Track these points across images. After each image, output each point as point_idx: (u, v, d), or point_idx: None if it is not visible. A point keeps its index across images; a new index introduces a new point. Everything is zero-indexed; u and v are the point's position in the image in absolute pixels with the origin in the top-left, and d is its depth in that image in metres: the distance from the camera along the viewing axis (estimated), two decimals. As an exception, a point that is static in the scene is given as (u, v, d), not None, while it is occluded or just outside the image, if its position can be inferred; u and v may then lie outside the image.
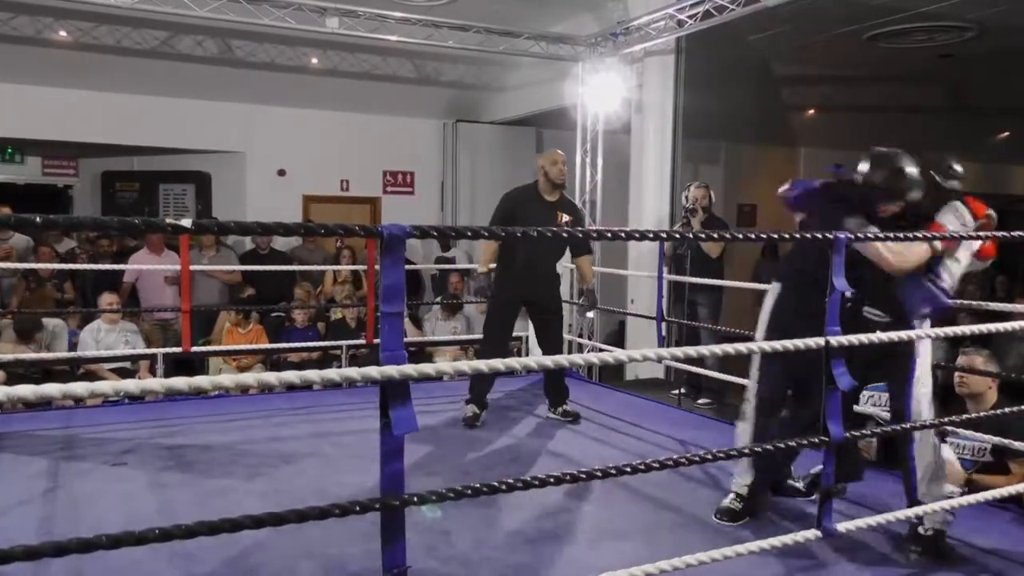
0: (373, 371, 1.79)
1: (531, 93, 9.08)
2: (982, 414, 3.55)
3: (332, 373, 1.83)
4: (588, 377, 6.58)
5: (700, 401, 5.75)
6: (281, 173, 9.49)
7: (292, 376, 1.76)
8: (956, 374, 3.95)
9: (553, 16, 7.67)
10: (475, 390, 4.82)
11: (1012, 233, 2.83)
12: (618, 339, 7.88)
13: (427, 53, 8.32)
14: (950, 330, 2.82)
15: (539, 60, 7.67)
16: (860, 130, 11.89)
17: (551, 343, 4.93)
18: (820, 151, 12.30)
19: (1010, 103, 11.69)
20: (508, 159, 9.61)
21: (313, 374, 1.80)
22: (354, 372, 1.85)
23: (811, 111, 11.77)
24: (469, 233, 2.08)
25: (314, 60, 8.55)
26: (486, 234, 2.13)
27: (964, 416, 3.51)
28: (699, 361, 5.53)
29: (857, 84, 10.90)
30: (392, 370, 1.80)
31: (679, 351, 2.59)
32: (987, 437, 3.65)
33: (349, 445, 4.27)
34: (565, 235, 4.58)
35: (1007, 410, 3.02)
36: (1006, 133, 13.94)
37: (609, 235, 2.36)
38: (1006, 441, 3.54)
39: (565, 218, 4.82)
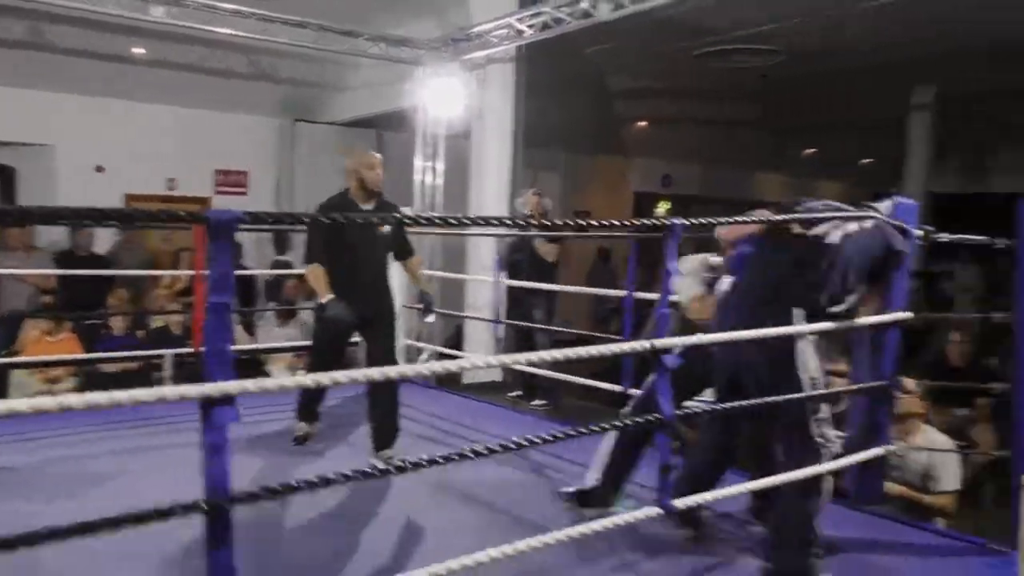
0: (191, 390, 1.67)
1: (372, 94, 8.95)
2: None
3: (142, 394, 1.68)
4: (424, 381, 6.55)
5: (535, 403, 5.87)
6: (99, 169, 8.81)
7: (100, 398, 1.60)
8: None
9: (395, 18, 7.61)
10: (305, 405, 4.48)
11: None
12: (456, 342, 7.91)
13: (262, 48, 8.01)
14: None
15: (380, 61, 7.58)
16: (686, 143, 12.64)
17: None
18: (651, 161, 12.94)
19: (815, 122, 12.78)
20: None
21: (122, 395, 1.64)
22: (168, 392, 1.72)
23: (643, 123, 12.35)
24: (307, 219, 2.02)
25: (138, 49, 8.02)
26: (326, 220, 2.08)
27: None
28: (534, 364, 5.63)
29: (685, 99, 11.54)
30: (211, 388, 1.69)
31: (508, 358, 2.61)
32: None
33: (169, 460, 4.02)
34: (388, 231, 4.26)
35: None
36: (813, 149, 15.22)
37: (453, 221, 2.24)
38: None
39: (386, 228, 4.35)
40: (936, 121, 11.53)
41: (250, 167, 9.67)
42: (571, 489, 3.43)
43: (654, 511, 2.47)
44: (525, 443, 2.21)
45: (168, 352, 5.70)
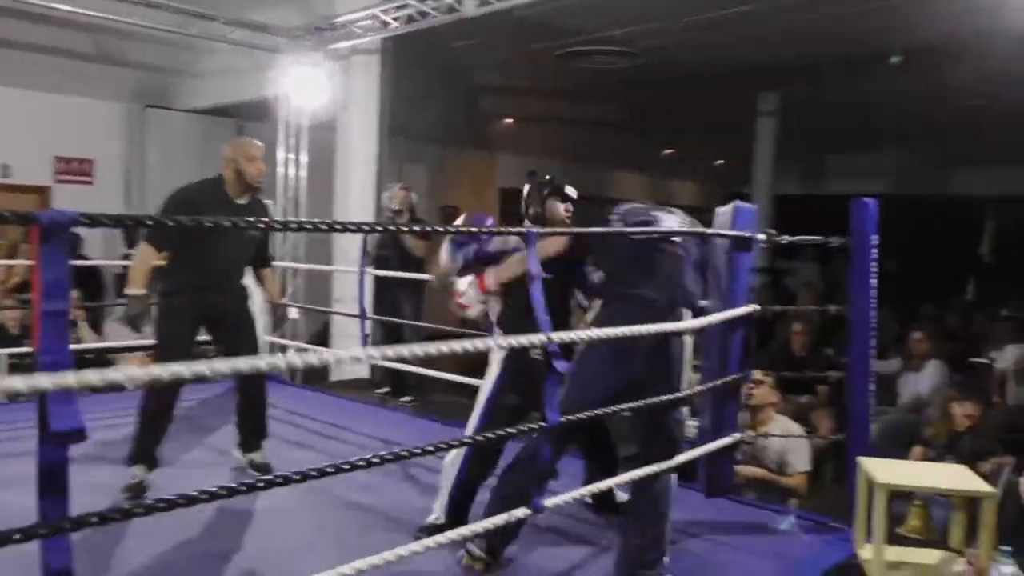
0: (16, 382, 1.55)
1: (231, 82, 8.58)
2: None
3: None
4: (291, 380, 6.39)
5: (403, 399, 5.84)
6: (-82, 153, 8.03)
7: None
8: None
9: (255, 2, 7.33)
10: (141, 445, 3.67)
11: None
12: (323, 339, 7.74)
13: (110, 28, 7.53)
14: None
15: (239, 48, 7.29)
16: (550, 140, 12.90)
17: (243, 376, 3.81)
18: (517, 158, 13.10)
19: (671, 123, 13.33)
20: (205, 151, 8.96)
21: None
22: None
23: (509, 120, 12.49)
24: (150, 223, 1.90)
25: (-36, 23, 7.35)
26: (171, 223, 1.96)
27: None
28: (402, 360, 5.59)
29: (548, 98, 11.77)
30: (44, 380, 1.56)
31: (375, 351, 2.56)
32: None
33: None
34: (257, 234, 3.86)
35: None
36: (669, 150, 15.89)
37: (324, 227, 2.16)
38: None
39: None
40: (779, 127, 12.31)
41: (96, 155, 9.06)
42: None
43: (522, 512, 2.50)
44: (406, 454, 2.17)
45: (2, 352, 5.27)
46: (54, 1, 5.97)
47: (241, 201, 3.79)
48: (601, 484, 2.87)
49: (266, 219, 4.09)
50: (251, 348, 3.93)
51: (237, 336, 3.84)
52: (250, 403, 3.92)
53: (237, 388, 4.00)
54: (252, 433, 3.95)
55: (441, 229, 2.70)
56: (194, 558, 2.90)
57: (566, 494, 2.61)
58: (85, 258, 7.60)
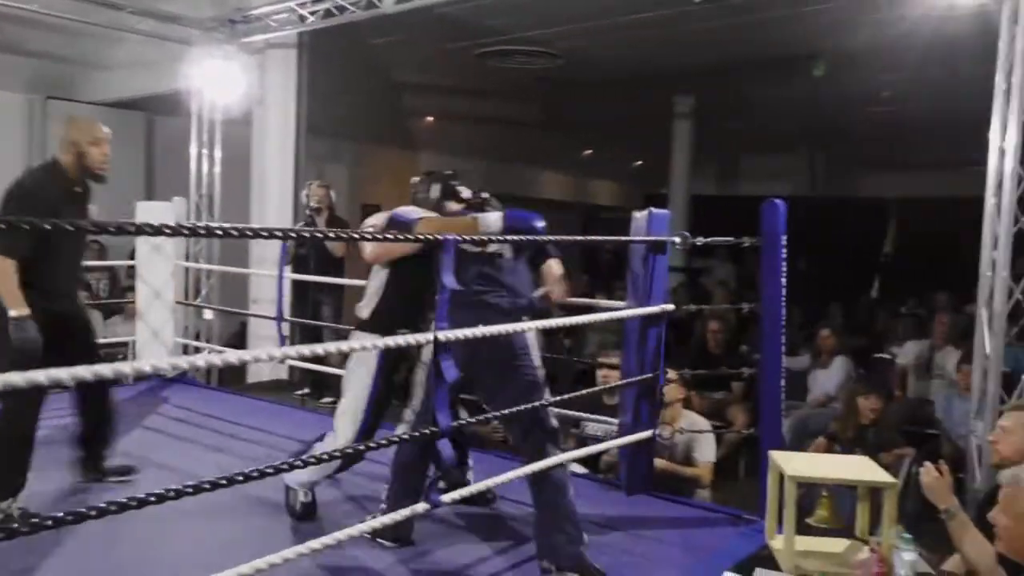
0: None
1: (141, 74, 8.26)
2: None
3: None
4: (206, 382, 6.20)
5: (324, 400, 5.74)
6: None
7: None
8: (600, 371, 4.42)
9: (164, -9, 7.08)
10: (3, 473, 3.15)
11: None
12: (240, 341, 7.54)
13: (8, 15, 7.14)
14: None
15: (148, 39, 7.02)
16: (472, 139, 12.89)
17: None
18: (438, 156, 13.05)
19: (591, 124, 13.51)
20: (113, 145, 8.63)
21: None
22: None
23: (429, 118, 12.43)
24: (48, 227, 1.81)
25: None
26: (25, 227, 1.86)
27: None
28: (323, 360, 5.50)
29: (469, 97, 11.76)
30: None
31: (293, 350, 2.51)
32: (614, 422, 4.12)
33: None
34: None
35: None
36: (589, 150, 16.10)
37: (235, 233, 2.09)
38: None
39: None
40: (695, 129, 12.60)
41: (-7, 148, 8.60)
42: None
43: (421, 507, 2.63)
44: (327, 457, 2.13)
45: None
46: (-55, -15, 5.64)
47: (78, 189, 3.44)
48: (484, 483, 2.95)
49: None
50: (95, 356, 3.59)
51: (86, 343, 3.51)
52: (98, 414, 3.62)
53: (82, 399, 3.60)
54: (102, 445, 3.67)
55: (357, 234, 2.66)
56: (121, 567, 2.79)
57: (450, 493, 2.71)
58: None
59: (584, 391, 3.94)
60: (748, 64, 9.11)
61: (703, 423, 4.24)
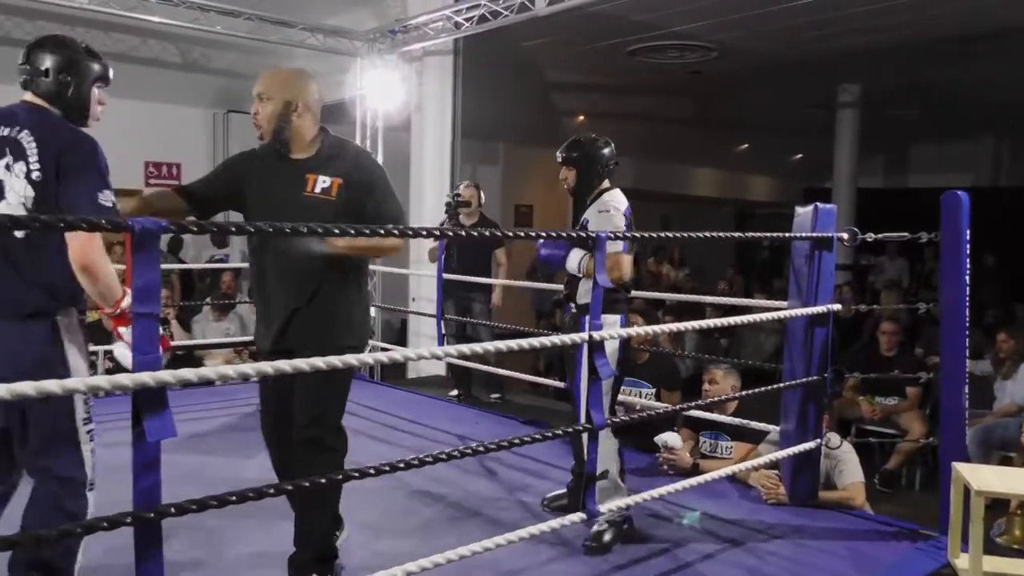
0: (123, 379, 1.64)
1: (310, 86, 8.78)
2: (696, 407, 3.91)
3: (74, 382, 1.64)
4: (370, 377, 6.50)
5: (493, 396, 5.81)
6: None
7: (27, 388, 1.56)
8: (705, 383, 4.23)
9: (330, 8, 7.49)
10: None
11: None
12: (400, 337, 7.86)
13: (193, 38, 7.80)
14: (680, 326, 3.08)
15: (317, 52, 7.45)
16: (623, 137, 12.77)
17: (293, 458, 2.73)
18: (590, 156, 12.98)
19: (747, 118, 13.05)
20: (284, 153, 9.23)
21: (52, 384, 1.60)
22: (102, 381, 1.67)
23: (580, 117, 12.44)
24: (233, 228, 1.95)
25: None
26: (251, 229, 2.00)
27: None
28: (480, 358, 5.58)
29: (620, 94, 11.66)
30: (146, 376, 1.65)
31: (453, 348, 2.59)
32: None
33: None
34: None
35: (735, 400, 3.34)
36: (745, 145, 15.56)
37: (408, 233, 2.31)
38: (742, 421, 3.88)
39: (323, 184, 2.66)
40: (861, 118, 11.90)
41: (183, 159, 9.41)
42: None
43: (578, 516, 2.59)
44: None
45: (101, 349, 5.51)
46: (145, 13, 6.20)
47: (299, 156, 2.84)
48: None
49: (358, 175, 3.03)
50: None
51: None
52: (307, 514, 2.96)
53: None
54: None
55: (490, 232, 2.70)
56: (281, 548, 2.97)
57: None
58: (182, 261, 7.93)
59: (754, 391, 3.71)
60: (921, 45, 8.50)
61: (845, 446, 3.77)
